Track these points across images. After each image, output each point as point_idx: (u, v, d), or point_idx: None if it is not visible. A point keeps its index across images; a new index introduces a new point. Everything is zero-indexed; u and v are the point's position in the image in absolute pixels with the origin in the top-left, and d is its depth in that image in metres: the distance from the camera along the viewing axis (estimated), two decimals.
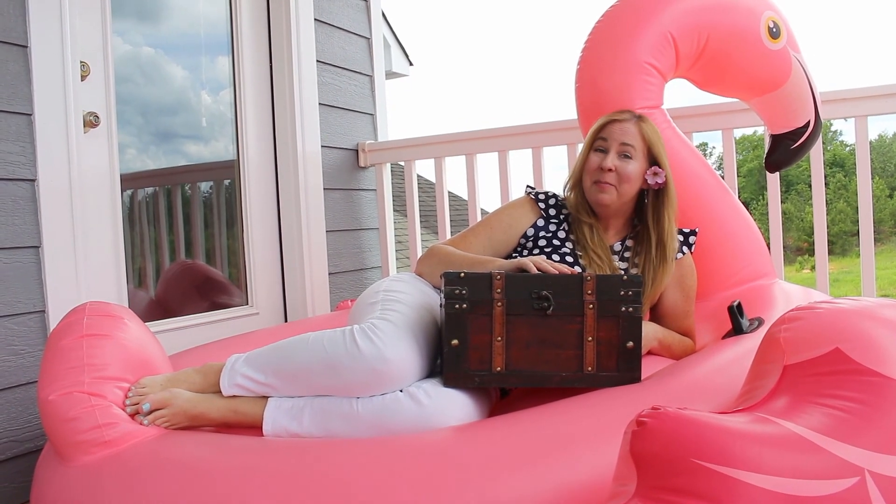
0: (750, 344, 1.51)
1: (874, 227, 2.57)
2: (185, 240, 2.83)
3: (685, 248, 1.98)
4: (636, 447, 0.98)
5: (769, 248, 2.43)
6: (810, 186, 2.64)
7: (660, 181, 1.88)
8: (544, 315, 1.52)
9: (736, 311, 1.73)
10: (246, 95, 2.94)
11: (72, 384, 1.47)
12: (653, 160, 1.90)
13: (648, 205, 1.92)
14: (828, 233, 2.69)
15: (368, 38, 3.52)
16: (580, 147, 2.85)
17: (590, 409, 1.41)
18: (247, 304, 2.96)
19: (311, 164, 3.08)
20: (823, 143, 2.57)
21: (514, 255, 1.95)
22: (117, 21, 2.49)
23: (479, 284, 1.51)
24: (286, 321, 3.07)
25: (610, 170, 1.86)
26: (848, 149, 27.56)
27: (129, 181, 2.54)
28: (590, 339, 1.52)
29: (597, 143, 1.92)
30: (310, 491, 1.22)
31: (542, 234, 1.94)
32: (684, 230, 2.00)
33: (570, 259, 1.89)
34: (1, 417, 2.02)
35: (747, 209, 2.33)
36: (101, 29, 2.38)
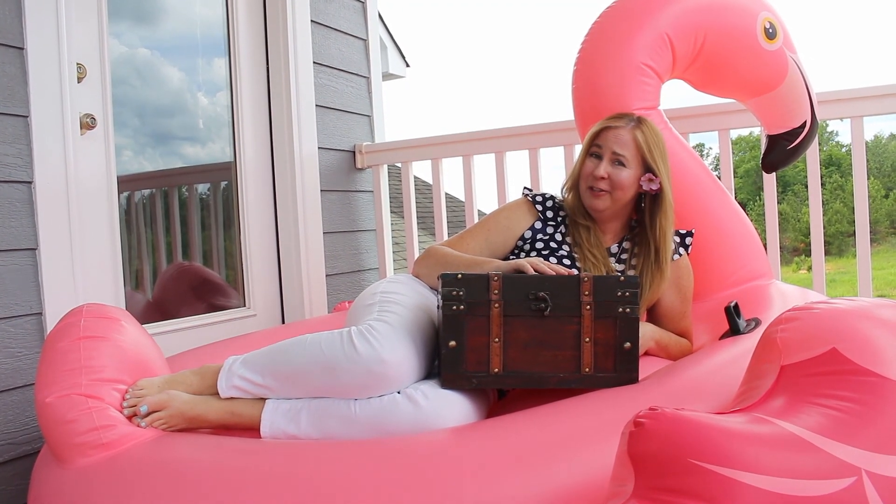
0: (747, 344, 1.51)
1: (870, 227, 2.58)
2: (182, 242, 2.83)
3: (682, 250, 1.98)
4: (634, 447, 0.98)
5: (766, 249, 2.43)
6: (807, 187, 2.65)
7: (654, 187, 1.88)
8: (542, 316, 1.52)
9: (733, 312, 1.73)
10: (243, 97, 2.94)
11: (69, 386, 1.47)
12: (647, 167, 1.90)
13: (646, 209, 1.92)
14: (824, 233, 2.69)
15: (365, 40, 3.52)
16: (577, 148, 2.87)
17: (587, 410, 1.41)
18: (244, 305, 2.96)
19: (307, 165, 3.08)
20: (819, 143, 2.58)
21: (511, 257, 1.95)
22: (114, 23, 2.49)
23: (476, 285, 1.51)
24: (283, 323, 3.06)
25: (602, 177, 1.87)
26: (844, 149, 27.61)
27: (126, 183, 2.53)
28: (587, 339, 1.52)
29: (592, 149, 1.92)
30: (308, 493, 1.22)
31: (539, 236, 1.94)
32: (680, 231, 2.00)
33: (567, 261, 1.89)
34: None
35: (744, 210, 2.33)
36: (98, 31, 2.38)
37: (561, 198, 2.02)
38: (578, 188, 1.94)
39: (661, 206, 1.90)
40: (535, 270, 1.62)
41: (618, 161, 1.87)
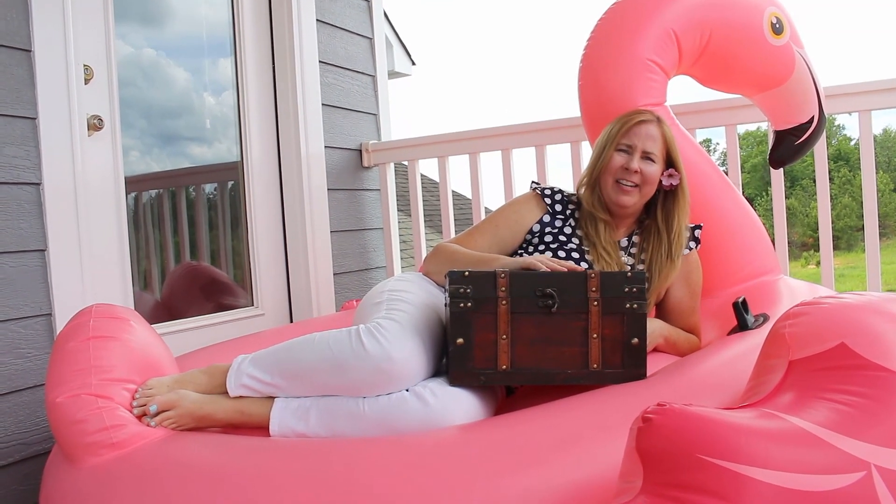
0: (755, 340, 1.51)
1: (879, 221, 2.57)
2: (190, 241, 2.84)
3: (692, 244, 1.98)
4: (642, 443, 0.98)
5: (774, 244, 2.43)
6: (815, 181, 2.64)
7: (674, 183, 1.90)
8: (549, 313, 1.52)
9: (741, 308, 1.73)
10: (249, 97, 2.95)
11: (79, 386, 1.48)
12: (669, 162, 1.91)
13: (659, 203, 1.93)
14: (833, 228, 2.68)
15: (371, 38, 3.52)
16: (584, 145, 2.87)
17: (595, 406, 1.41)
18: (252, 305, 2.96)
19: (314, 164, 3.09)
20: (827, 137, 2.57)
21: (519, 251, 1.95)
22: (120, 24, 2.50)
23: (483, 283, 1.51)
24: (291, 322, 3.07)
25: (636, 171, 1.87)
26: (852, 143, 27.49)
27: (134, 184, 2.54)
28: (595, 336, 1.52)
29: (621, 145, 1.91)
30: (317, 490, 1.22)
31: (547, 229, 1.94)
32: (689, 225, 1.99)
33: (576, 255, 1.89)
34: (9, 420, 2.03)
35: (752, 205, 2.33)
36: (104, 32, 2.38)
37: (573, 192, 2.02)
38: (600, 183, 1.94)
39: (678, 200, 1.91)
40: (546, 267, 1.62)
41: (647, 157, 1.88)
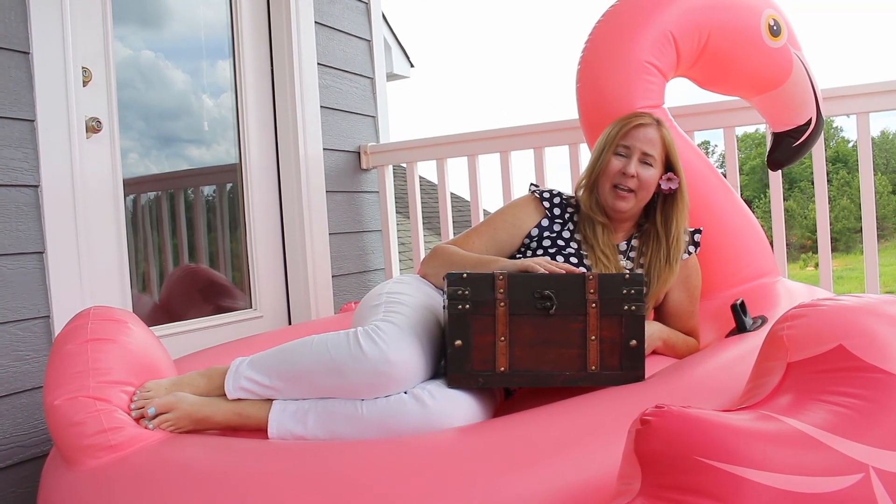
0: (753, 342, 1.51)
1: (877, 223, 2.57)
2: (189, 244, 2.83)
3: (691, 248, 1.97)
4: (640, 446, 0.98)
5: (772, 246, 2.43)
6: (813, 183, 2.64)
7: (673, 187, 1.89)
8: (547, 314, 1.52)
9: (739, 310, 1.73)
10: (247, 99, 2.95)
11: (77, 389, 1.48)
12: (668, 166, 1.90)
13: (658, 207, 1.92)
14: (831, 230, 2.69)
15: (369, 41, 3.52)
16: (583, 147, 2.87)
17: (594, 408, 1.41)
18: (250, 307, 2.96)
19: (313, 166, 3.09)
20: (826, 139, 2.57)
21: (517, 255, 1.94)
22: (118, 26, 2.50)
23: (481, 285, 1.51)
24: (290, 324, 3.07)
25: (632, 176, 1.86)
26: (850, 145, 27.51)
27: (132, 186, 2.54)
28: (593, 337, 1.52)
29: (618, 149, 1.90)
30: (316, 493, 1.22)
31: (546, 233, 1.93)
32: (689, 229, 1.99)
33: (574, 259, 1.88)
34: (7, 423, 2.02)
35: (750, 207, 2.33)
36: (103, 34, 2.38)
37: (571, 194, 2.02)
38: (598, 186, 1.93)
39: (677, 204, 1.90)
40: (544, 270, 1.62)
41: (645, 161, 1.87)
